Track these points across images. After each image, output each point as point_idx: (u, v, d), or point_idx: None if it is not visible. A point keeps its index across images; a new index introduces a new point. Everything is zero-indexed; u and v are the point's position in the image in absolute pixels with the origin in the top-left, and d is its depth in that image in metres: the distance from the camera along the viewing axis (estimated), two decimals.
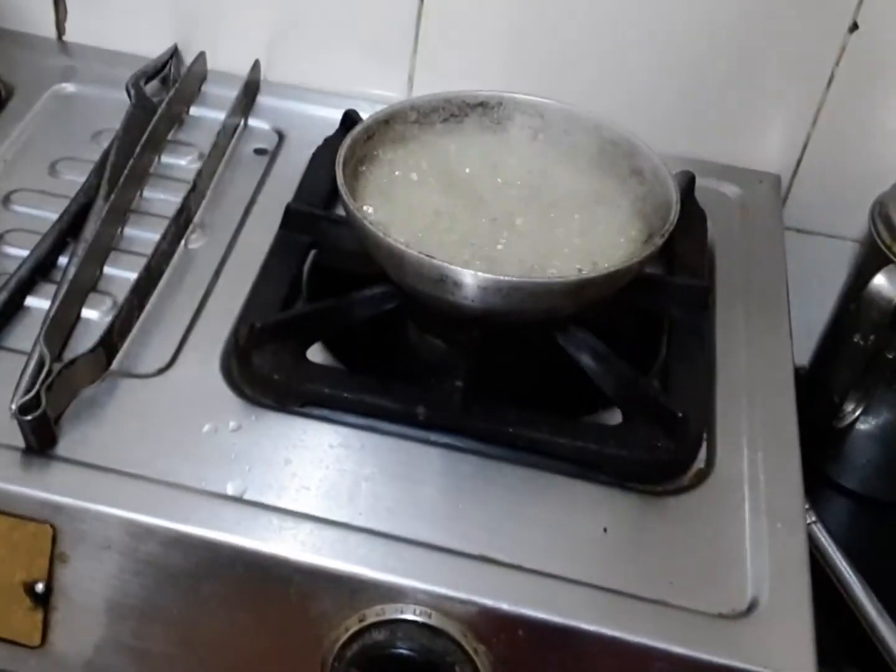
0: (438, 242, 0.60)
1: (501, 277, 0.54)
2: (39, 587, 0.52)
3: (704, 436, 0.57)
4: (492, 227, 0.63)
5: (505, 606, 0.49)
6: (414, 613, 0.49)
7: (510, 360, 0.62)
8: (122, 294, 0.61)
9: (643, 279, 0.64)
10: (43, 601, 0.52)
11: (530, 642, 0.49)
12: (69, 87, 0.79)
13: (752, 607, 0.50)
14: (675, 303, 0.64)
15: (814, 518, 0.67)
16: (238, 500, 0.52)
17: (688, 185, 0.71)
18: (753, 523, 0.53)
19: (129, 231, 0.68)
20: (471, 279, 0.54)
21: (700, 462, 0.57)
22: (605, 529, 0.53)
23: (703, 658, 0.48)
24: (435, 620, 0.49)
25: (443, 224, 0.62)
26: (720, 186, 0.75)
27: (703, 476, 0.56)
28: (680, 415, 0.54)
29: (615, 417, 0.58)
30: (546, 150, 0.67)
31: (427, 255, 0.54)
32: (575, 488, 0.55)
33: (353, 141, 0.62)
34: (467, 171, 0.66)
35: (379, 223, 0.58)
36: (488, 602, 0.49)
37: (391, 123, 0.65)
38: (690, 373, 0.60)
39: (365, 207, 0.61)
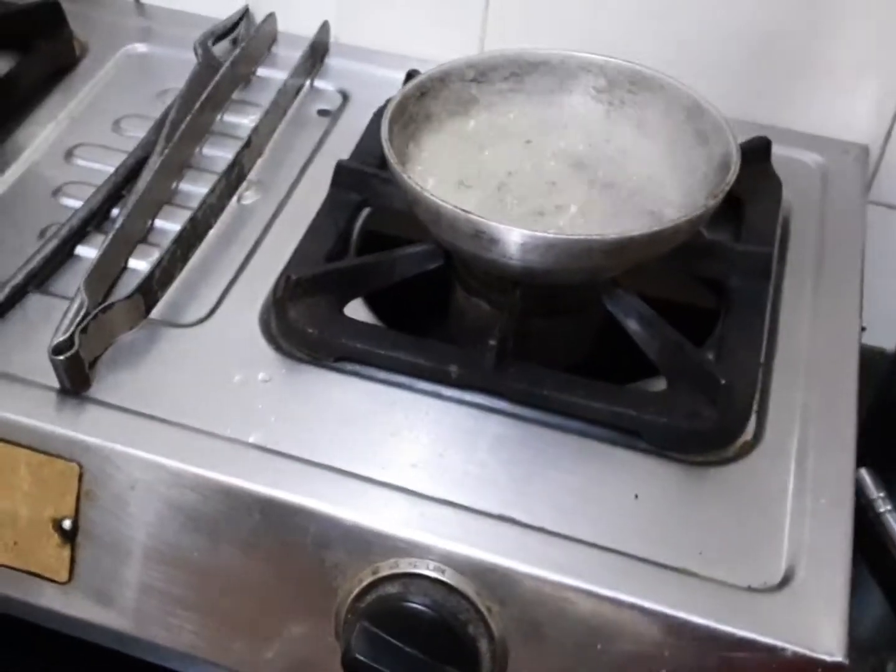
0: (491, 206, 0.60)
1: (537, 233, 0.54)
2: (67, 524, 0.55)
3: (754, 408, 0.57)
4: (548, 191, 0.63)
5: (521, 567, 0.49)
6: (428, 568, 0.50)
7: (554, 325, 0.63)
8: None
9: (704, 245, 0.64)
10: (70, 538, 0.55)
11: (546, 605, 0.49)
12: (141, 48, 0.83)
13: (784, 582, 0.49)
14: (736, 271, 0.63)
15: (889, 506, 0.65)
16: (260, 448, 0.54)
17: (762, 150, 0.70)
18: (797, 498, 0.53)
19: (185, 186, 0.70)
20: (506, 235, 0.54)
21: (747, 434, 0.56)
22: (636, 496, 0.52)
23: (725, 630, 0.47)
24: (449, 577, 0.50)
25: (496, 187, 0.63)
26: (801, 155, 0.74)
27: (748, 448, 0.55)
28: (724, 382, 0.54)
29: (660, 387, 0.58)
30: (609, 111, 0.67)
31: (462, 210, 0.55)
32: (609, 454, 0.55)
33: (405, 97, 0.64)
34: (525, 132, 0.67)
35: (426, 182, 0.59)
36: (504, 562, 0.49)
37: (446, 81, 0.66)
38: (744, 343, 0.59)
39: (418, 168, 0.62)
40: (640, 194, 0.63)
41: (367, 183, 0.68)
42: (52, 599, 0.57)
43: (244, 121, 0.76)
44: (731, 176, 0.58)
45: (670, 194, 0.62)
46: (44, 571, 0.56)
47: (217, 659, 0.56)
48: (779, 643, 0.47)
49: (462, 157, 0.65)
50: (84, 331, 0.56)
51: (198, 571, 0.54)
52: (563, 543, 0.51)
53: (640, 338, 0.58)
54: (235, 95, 0.78)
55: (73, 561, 0.56)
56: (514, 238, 0.54)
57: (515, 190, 0.63)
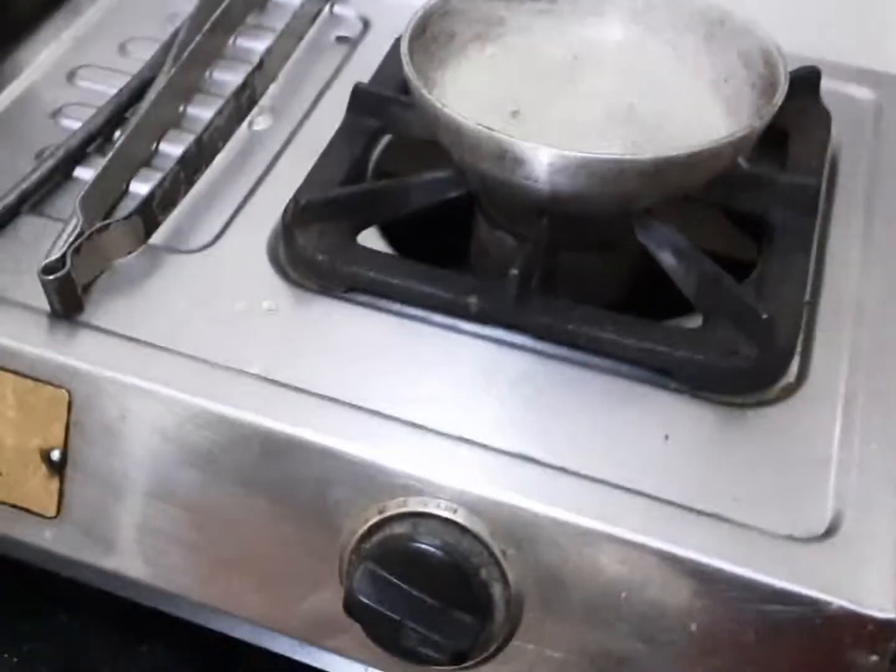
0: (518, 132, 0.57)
1: (567, 153, 0.51)
2: (55, 455, 0.52)
3: (797, 348, 0.53)
4: (578, 119, 0.60)
5: (539, 508, 0.46)
6: (438, 508, 0.47)
7: (582, 260, 0.59)
8: None
9: (744, 176, 0.60)
10: (59, 469, 0.52)
11: (565, 549, 0.46)
12: None
13: (829, 532, 0.46)
14: (780, 204, 0.59)
15: None
16: (262, 378, 0.51)
17: (811, 81, 0.66)
18: (843, 443, 0.49)
19: (193, 110, 0.67)
20: (533, 154, 0.51)
21: (790, 376, 0.52)
22: (666, 437, 0.49)
23: (762, 580, 0.44)
24: (461, 517, 0.47)
25: (523, 113, 0.59)
26: (852, 90, 0.70)
27: (791, 391, 0.52)
28: (765, 316, 0.50)
29: (695, 325, 0.55)
30: (646, 34, 0.63)
31: (486, 127, 0.52)
32: (637, 393, 0.52)
33: (427, 13, 0.60)
34: (557, 56, 0.63)
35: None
36: (522, 502, 0.46)
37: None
38: (788, 279, 0.55)
39: (436, 90, 0.59)
40: (677, 123, 0.60)
41: (386, 108, 0.64)
42: (38, 535, 0.54)
43: (258, 45, 0.73)
44: (779, 97, 0.54)
45: (712, 123, 0.59)
46: (31, 505, 0.54)
47: (212, 601, 0.54)
48: (823, 596, 0.44)
49: (487, 81, 0.61)
50: (77, 251, 0.53)
51: (192, 508, 0.52)
52: (587, 484, 0.47)
53: (675, 272, 0.55)
54: (250, 20, 0.75)
55: (61, 494, 0.53)
56: (542, 157, 0.51)
57: (542, 118, 0.60)
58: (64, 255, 0.53)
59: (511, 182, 0.53)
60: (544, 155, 0.51)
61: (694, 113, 0.60)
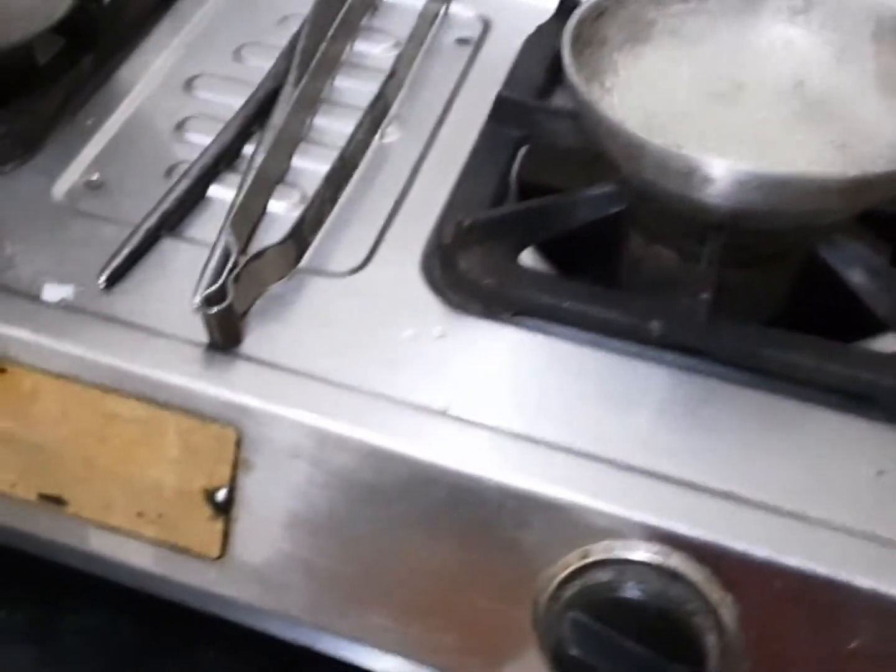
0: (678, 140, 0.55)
1: (766, 171, 0.48)
2: (220, 495, 0.50)
3: None
4: (740, 126, 0.57)
5: (762, 553, 0.44)
6: (648, 552, 0.45)
7: (749, 276, 0.57)
8: (310, 187, 0.59)
9: None
10: (224, 510, 0.50)
11: (787, 596, 0.44)
12: None
13: None
14: None
15: None
16: (442, 413, 0.49)
17: None
18: None
19: (318, 121, 0.65)
20: (726, 172, 0.49)
21: None
22: (879, 472, 0.47)
23: None
24: (674, 562, 0.45)
25: (681, 119, 0.57)
26: None
27: None
28: None
29: (885, 347, 0.52)
30: (807, 35, 0.61)
31: (675, 145, 0.49)
32: (838, 423, 0.49)
33: (582, 19, 0.58)
34: (712, 59, 0.61)
35: None
36: (743, 546, 0.44)
37: (624, 2, 0.60)
38: None
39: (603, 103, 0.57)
40: (847, 129, 0.57)
41: (530, 117, 0.62)
42: (202, 577, 0.52)
43: (375, 50, 0.71)
44: None
45: (885, 131, 0.56)
46: (193, 546, 0.52)
47: (387, 647, 0.52)
48: None
49: (646, 88, 0.59)
50: (236, 280, 0.51)
51: (369, 552, 0.50)
52: (802, 525, 0.45)
53: (866, 291, 0.53)
54: (363, 22, 0.73)
55: (226, 535, 0.51)
56: (736, 177, 0.48)
57: (693, 121, 0.57)
58: (224, 285, 0.51)
59: (691, 199, 0.51)
60: (740, 174, 0.48)
61: (859, 119, 0.57)
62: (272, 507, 0.50)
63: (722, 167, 0.49)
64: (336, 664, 0.57)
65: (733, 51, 0.61)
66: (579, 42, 0.58)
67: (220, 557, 0.51)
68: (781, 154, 0.55)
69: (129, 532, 0.52)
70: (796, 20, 0.61)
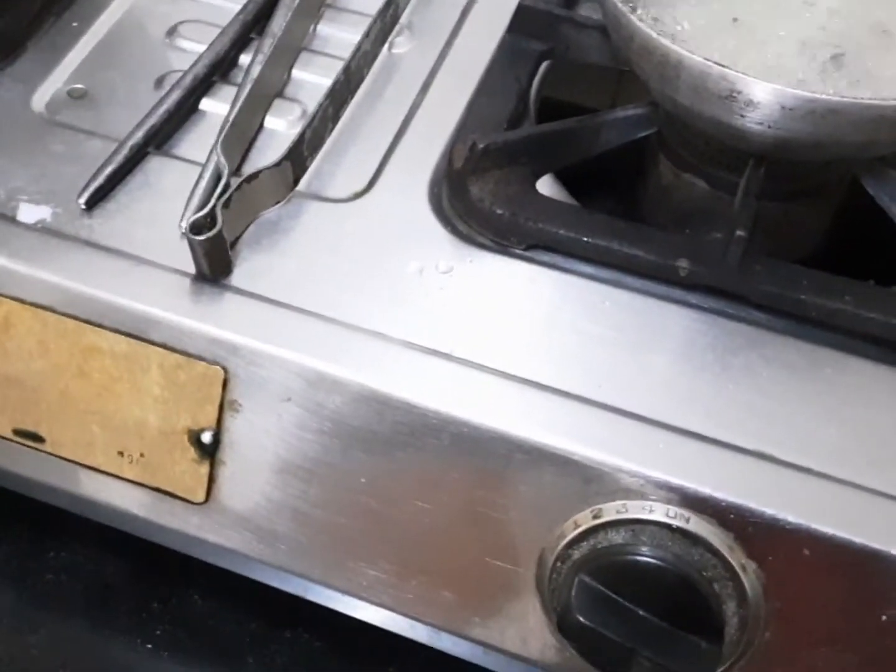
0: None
1: (818, 95, 0.44)
2: (206, 437, 0.48)
3: None
4: (800, 49, 0.53)
5: (791, 517, 0.41)
6: (667, 515, 0.42)
7: (786, 210, 0.53)
8: (311, 102, 0.55)
9: None
10: (209, 453, 0.48)
11: (817, 565, 0.41)
12: None
13: None
14: None
15: None
16: (448, 356, 0.46)
17: None
18: None
19: (322, 29, 0.61)
20: (773, 96, 0.45)
21: None
22: None
23: None
24: (693, 526, 0.42)
25: (734, 37, 0.53)
26: None
27: None
28: None
29: None
30: None
31: (717, 63, 0.45)
32: (882, 376, 0.46)
33: None
34: None
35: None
36: (770, 510, 0.41)
37: None
38: None
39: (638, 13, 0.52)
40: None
41: (554, 28, 0.58)
42: (185, 521, 0.50)
43: None
44: None
45: None
46: (176, 490, 0.49)
47: (381, 602, 0.49)
48: None
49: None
50: (227, 204, 0.48)
51: (365, 501, 0.47)
52: (838, 490, 0.42)
53: None
54: None
55: (211, 479, 0.49)
56: (784, 101, 0.44)
57: (745, 43, 0.53)
58: (213, 210, 0.47)
59: (730, 125, 0.47)
60: (789, 98, 0.44)
61: None
62: (261, 453, 0.47)
63: (767, 90, 0.45)
64: (327, 613, 0.55)
65: None
66: None
67: (205, 502, 0.49)
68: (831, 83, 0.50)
69: (109, 472, 0.50)
70: None
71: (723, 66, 0.45)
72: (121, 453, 0.49)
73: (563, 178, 0.56)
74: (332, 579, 0.49)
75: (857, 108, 0.44)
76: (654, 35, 0.46)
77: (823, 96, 0.44)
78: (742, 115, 0.46)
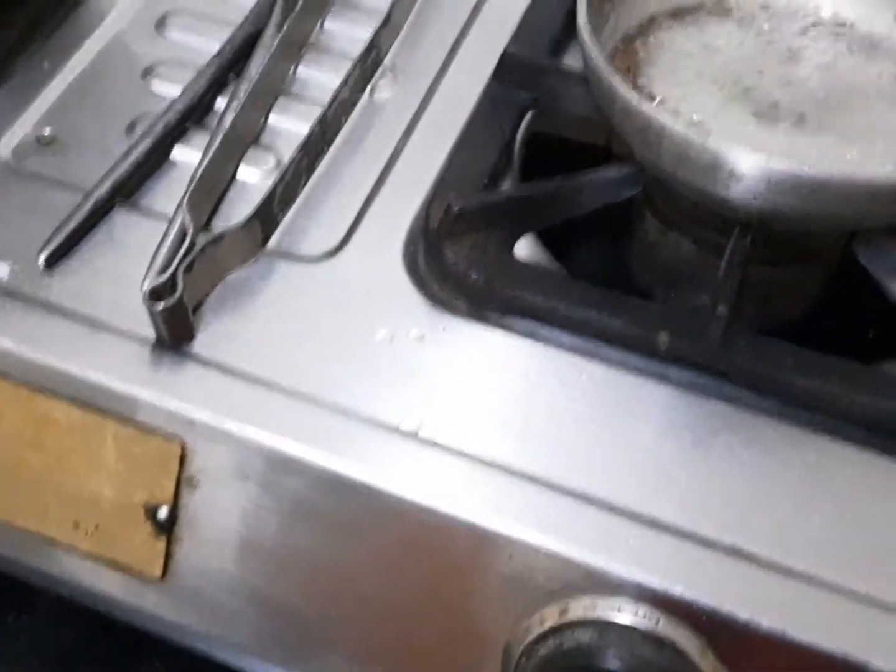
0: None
1: (805, 171, 0.42)
2: (162, 513, 0.46)
3: None
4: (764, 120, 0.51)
5: (765, 623, 0.39)
6: (636, 615, 0.40)
7: (780, 278, 0.51)
8: (288, 150, 0.53)
9: None
10: (166, 529, 0.46)
11: None
12: None
13: None
14: None
15: None
16: (413, 436, 0.44)
17: None
18: None
19: (302, 72, 0.59)
20: (758, 171, 0.43)
21: None
22: None
23: None
24: (663, 628, 0.40)
25: (708, 100, 0.50)
26: None
27: None
28: None
29: None
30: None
31: (695, 135, 0.43)
32: (868, 464, 0.44)
33: None
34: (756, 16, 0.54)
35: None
36: (743, 614, 0.39)
37: None
38: None
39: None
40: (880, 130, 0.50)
41: (539, 79, 0.56)
42: (142, 598, 0.48)
43: None
44: None
45: None
46: (132, 564, 0.47)
47: None
48: None
49: (667, 47, 0.52)
50: (189, 268, 0.46)
51: (324, 584, 0.45)
52: (824, 595, 0.40)
53: None
54: None
55: (168, 555, 0.47)
56: (769, 175, 0.42)
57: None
58: (174, 275, 0.45)
59: (715, 196, 0.45)
60: (773, 173, 0.42)
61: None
62: (219, 531, 0.45)
63: (752, 163, 0.43)
64: None
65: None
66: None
67: (162, 578, 0.47)
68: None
69: (64, 544, 0.48)
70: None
71: (704, 138, 0.42)
72: (76, 524, 0.47)
73: (545, 232, 0.54)
74: (292, 662, 0.47)
75: (847, 183, 0.42)
76: (636, 101, 0.44)
77: (811, 170, 0.42)
78: (727, 187, 0.44)
